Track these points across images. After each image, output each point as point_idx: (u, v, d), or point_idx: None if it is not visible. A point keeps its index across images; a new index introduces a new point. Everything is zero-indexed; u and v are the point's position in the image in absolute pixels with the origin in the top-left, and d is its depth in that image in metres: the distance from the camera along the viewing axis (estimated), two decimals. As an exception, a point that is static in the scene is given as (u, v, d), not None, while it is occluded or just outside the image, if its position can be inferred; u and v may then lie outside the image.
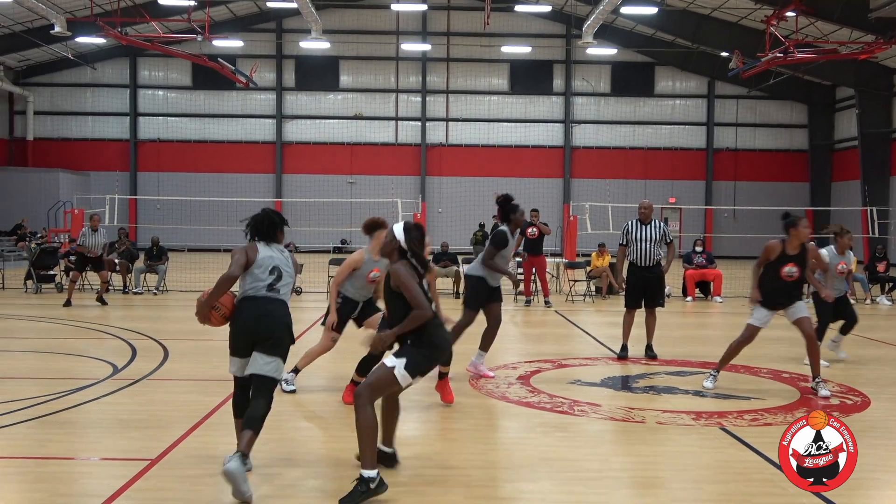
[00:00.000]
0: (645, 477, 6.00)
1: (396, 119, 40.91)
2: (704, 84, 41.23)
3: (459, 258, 19.22)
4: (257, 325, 5.60)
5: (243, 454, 5.27)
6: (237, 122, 40.82)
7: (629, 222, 10.82)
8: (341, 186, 39.96)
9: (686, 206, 39.03)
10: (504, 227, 9.19)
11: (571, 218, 28.44)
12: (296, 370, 8.34)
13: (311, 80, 40.73)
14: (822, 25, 29.86)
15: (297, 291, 18.69)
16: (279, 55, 40.55)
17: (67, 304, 15.87)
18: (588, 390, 8.75)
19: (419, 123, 40.79)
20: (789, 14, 27.86)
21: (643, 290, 10.65)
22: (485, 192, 39.85)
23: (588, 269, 19.62)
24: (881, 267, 20.02)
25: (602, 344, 12.01)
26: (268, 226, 5.82)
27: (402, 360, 5.29)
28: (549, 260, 19.73)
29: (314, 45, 35.00)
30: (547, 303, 17.30)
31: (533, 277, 17.84)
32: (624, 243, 10.74)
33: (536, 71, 40.65)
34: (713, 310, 17.55)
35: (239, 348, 5.69)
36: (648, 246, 10.59)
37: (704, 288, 19.32)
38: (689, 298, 18.78)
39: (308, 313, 15.61)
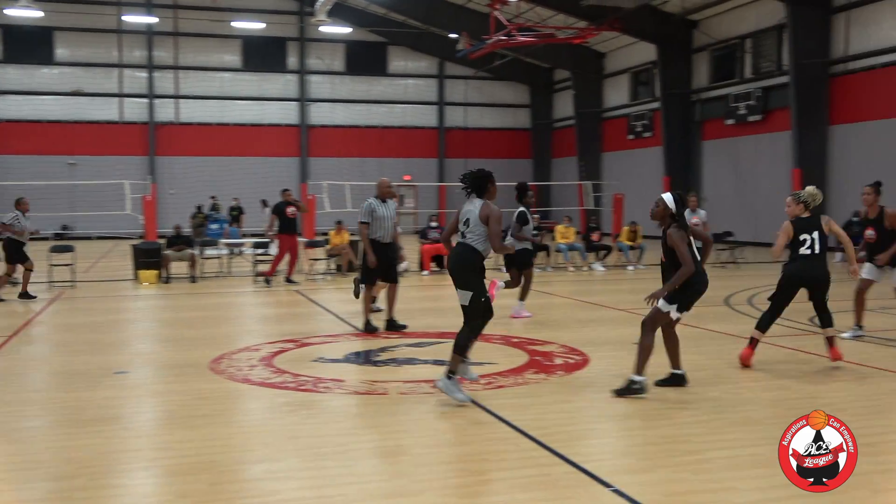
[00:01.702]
0: (389, 446, 6.20)
1: (121, 95, 38.60)
2: (435, 64, 42.57)
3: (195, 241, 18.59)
4: (449, 263, 7.54)
5: (450, 371, 7.11)
6: (-66, 98, 36.65)
7: (372, 200, 11.00)
8: (61, 168, 37.03)
9: (421, 183, 40.20)
10: (523, 208, 11.96)
11: (310, 197, 28.46)
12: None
13: (21, 52, 37.33)
14: (541, 11, 31.83)
15: (13, 283, 17.18)
16: (-18, 24, 36.84)
17: None
18: (331, 367, 8.85)
19: (146, 100, 38.77)
20: (510, -1, 29.37)
21: (383, 265, 10.92)
22: (219, 172, 38.77)
23: (327, 247, 19.72)
24: (595, 236, 21.79)
25: (344, 321, 12.14)
26: (472, 181, 7.30)
27: (675, 305, 7.31)
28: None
29: (24, 13, 32.06)
30: (290, 281, 17.28)
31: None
32: (367, 221, 10.86)
33: (270, 48, 40.00)
34: (449, 282, 18.22)
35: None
36: (389, 223, 10.94)
37: (440, 261, 20.04)
38: (425, 272, 19.43)
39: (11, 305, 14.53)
